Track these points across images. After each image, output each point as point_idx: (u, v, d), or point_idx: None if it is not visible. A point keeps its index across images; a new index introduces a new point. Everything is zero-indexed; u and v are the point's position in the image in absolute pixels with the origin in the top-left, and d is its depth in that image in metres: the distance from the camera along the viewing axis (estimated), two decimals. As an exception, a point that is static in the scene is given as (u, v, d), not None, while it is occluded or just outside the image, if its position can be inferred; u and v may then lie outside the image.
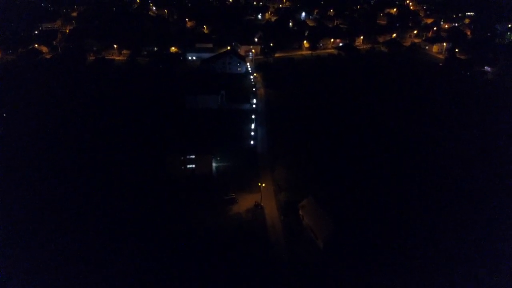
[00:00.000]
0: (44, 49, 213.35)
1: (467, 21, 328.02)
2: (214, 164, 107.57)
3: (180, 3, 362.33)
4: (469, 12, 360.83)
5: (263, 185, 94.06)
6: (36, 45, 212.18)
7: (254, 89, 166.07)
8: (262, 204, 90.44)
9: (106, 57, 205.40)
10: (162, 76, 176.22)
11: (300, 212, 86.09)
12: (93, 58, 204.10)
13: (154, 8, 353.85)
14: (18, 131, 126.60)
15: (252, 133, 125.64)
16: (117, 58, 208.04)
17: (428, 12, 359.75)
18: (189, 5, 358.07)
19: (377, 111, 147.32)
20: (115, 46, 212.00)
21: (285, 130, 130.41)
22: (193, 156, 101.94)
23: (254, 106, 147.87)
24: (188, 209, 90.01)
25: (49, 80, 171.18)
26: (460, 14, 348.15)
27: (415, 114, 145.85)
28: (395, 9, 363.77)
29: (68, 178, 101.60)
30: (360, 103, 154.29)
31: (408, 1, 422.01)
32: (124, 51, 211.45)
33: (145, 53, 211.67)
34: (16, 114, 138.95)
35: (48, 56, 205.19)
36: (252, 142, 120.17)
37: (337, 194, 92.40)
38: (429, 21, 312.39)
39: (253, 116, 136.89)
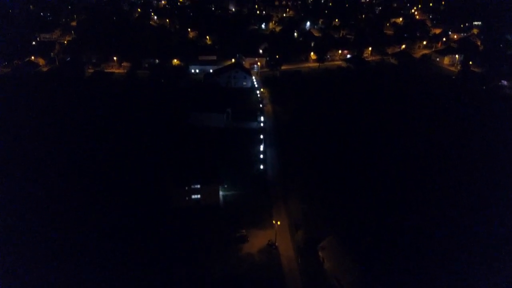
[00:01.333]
0: (41, 61, 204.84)
1: (475, 31, 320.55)
2: (221, 193, 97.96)
3: (181, 12, 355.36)
4: (476, 21, 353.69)
5: (278, 223, 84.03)
6: (33, 57, 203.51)
7: (261, 105, 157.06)
8: (276, 243, 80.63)
9: (105, 70, 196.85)
10: (164, 91, 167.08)
11: (320, 254, 76.33)
12: (92, 71, 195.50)
13: (155, 17, 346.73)
14: (10, 149, 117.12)
15: (261, 156, 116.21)
16: (116, 70, 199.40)
17: (434, 22, 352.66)
18: (191, 14, 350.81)
19: (393, 129, 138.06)
20: (114, 58, 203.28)
21: (297, 152, 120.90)
22: (199, 186, 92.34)
23: (262, 124, 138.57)
24: (194, 248, 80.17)
25: (44, 96, 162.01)
26: (467, 24, 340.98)
27: (432, 133, 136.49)
28: (401, 19, 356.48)
29: (59, 208, 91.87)
30: (375, 120, 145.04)
31: (413, 10, 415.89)
32: (124, 63, 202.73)
33: (146, 65, 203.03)
34: (7, 132, 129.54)
35: (45, 69, 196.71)
36: (261, 167, 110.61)
37: (364, 233, 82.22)
38: (437, 31, 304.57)
39: (261, 136, 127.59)
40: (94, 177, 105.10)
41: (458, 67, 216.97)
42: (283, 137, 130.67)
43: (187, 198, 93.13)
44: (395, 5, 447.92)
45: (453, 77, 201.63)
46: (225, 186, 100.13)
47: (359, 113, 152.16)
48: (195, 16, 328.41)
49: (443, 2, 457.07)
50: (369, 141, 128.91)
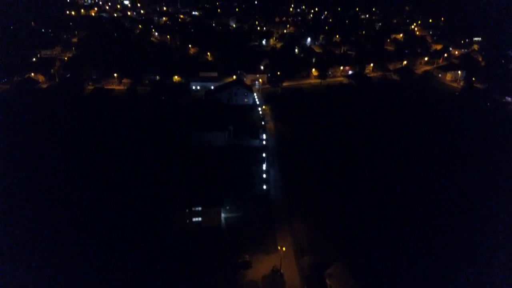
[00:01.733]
0: (41, 77, 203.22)
1: (475, 47, 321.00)
2: (223, 215, 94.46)
3: (182, 28, 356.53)
4: (476, 37, 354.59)
5: (283, 249, 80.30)
6: (32, 74, 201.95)
7: (263, 122, 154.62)
8: (281, 270, 76.83)
9: (105, 87, 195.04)
10: (164, 108, 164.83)
11: (328, 282, 72.52)
12: (92, 87, 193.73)
13: (156, 34, 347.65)
14: (8, 166, 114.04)
15: (264, 176, 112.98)
16: (117, 87, 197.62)
17: (435, 38, 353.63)
18: (192, 30, 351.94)
19: (399, 147, 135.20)
20: (115, 75, 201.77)
21: (300, 171, 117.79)
22: (200, 209, 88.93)
23: (264, 142, 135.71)
24: (194, 274, 76.37)
25: (43, 113, 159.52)
26: (467, 40, 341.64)
27: (438, 152, 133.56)
28: (401, 35, 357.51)
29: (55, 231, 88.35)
30: (379, 138, 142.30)
31: (413, 27, 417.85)
32: (124, 80, 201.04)
33: (147, 81, 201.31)
34: (6, 150, 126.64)
35: (44, 86, 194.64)
36: (264, 187, 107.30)
37: (373, 259, 78.54)
38: (438, 47, 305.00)
39: (263, 155, 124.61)
40: (93, 197, 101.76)
41: (461, 83, 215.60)
42: (286, 156, 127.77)
43: (187, 221, 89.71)
44: (395, 21, 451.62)
45: (456, 93, 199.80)
46: (227, 207, 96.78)
47: (362, 130, 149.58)
48: (196, 33, 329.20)
49: (442, 19, 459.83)
50: (374, 160, 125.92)
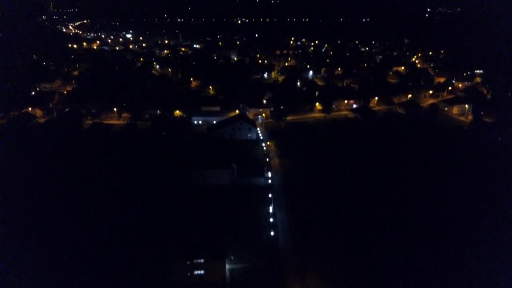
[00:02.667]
0: (38, 112, 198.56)
1: (478, 79, 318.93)
2: (227, 266, 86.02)
3: (184, 61, 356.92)
4: (477, 70, 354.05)
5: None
6: (30, 108, 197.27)
7: (267, 159, 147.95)
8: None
9: (104, 122, 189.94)
10: (165, 144, 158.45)
11: None
12: (91, 122, 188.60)
13: (157, 66, 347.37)
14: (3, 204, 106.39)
15: (271, 220, 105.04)
16: (116, 122, 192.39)
17: (436, 70, 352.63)
18: (194, 63, 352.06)
19: (412, 184, 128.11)
20: (115, 109, 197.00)
21: (310, 213, 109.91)
22: (202, 261, 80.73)
23: (269, 181, 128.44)
24: None
25: (39, 150, 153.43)
26: (469, 72, 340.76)
27: (452, 191, 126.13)
28: (403, 67, 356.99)
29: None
30: (390, 176, 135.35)
31: (414, 59, 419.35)
32: (124, 115, 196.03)
33: (147, 116, 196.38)
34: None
35: (41, 120, 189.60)
36: (272, 233, 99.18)
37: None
38: (441, 80, 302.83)
39: (269, 195, 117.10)
40: (88, 241, 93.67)
41: (468, 117, 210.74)
42: (293, 196, 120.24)
43: (189, 274, 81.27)
44: (395, 53, 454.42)
45: (465, 127, 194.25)
46: (232, 258, 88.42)
47: (371, 167, 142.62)
48: (198, 66, 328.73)
49: (442, 51, 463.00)
50: (385, 199, 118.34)
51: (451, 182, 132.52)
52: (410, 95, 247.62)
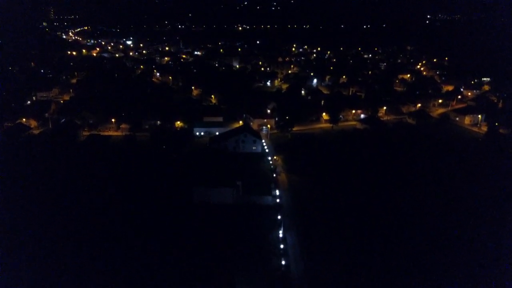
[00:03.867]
0: (33, 123, 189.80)
1: (486, 87, 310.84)
2: (234, 302, 76.75)
3: (185, 69, 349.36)
4: (484, 77, 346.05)
5: None
6: (24, 119, 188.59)
7: (274, 174, 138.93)
8: None
9: (102, 133, 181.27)
10: (165, 158, 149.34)
11: None
12: (88, 133, 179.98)
13: (157, 74, 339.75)
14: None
15: (282, 246, 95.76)
16: (114, 133, 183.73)
17: (443, 78, 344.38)
18: (194, 70, 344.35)
19: (430, 200, 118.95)
20: (113, 120, 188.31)
21: (324, 237, 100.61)
22: (207, 299, 71.50)
23: (277, 200, 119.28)
24: None
25: (31, 163, 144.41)
26: (476, 80, 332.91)
27: (474, 206, 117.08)
28: (408, 75, 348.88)
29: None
30: (407, 190, 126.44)
31: (419, 66, 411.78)
32: (123, 125, 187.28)
33: (147, 127, 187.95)
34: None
35: (36, 132, 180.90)
36: (283, 262, 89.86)
37: None
38: (449, 88, 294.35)
39: (278, 217, 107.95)
40: (80, 266, 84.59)
41: (482, 128, 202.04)
42: (304, 217, 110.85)
43: (191, 313, 71.98)
44: (399, 60, 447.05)
45: (480, 139, 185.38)
46: (239, 291, 79.19)
47: (388, 183, 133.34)
48: (199, 73, 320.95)
49: (446, 58, 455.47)
50: (407, 220, 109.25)
51: (472, 197, 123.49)
52: (419, 105, 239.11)
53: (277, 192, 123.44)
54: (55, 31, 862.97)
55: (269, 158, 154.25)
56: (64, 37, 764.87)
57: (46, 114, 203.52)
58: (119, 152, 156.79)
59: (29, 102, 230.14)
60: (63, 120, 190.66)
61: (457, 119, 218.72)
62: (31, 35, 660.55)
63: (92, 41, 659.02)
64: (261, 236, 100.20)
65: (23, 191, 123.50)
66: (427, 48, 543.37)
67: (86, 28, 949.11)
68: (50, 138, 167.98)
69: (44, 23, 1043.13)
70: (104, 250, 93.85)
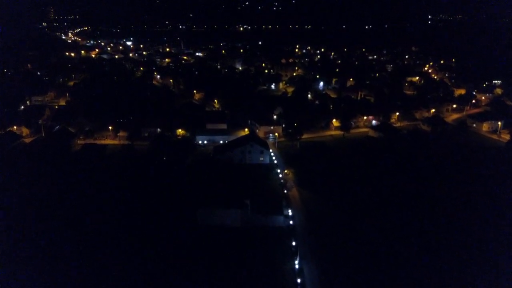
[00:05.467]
0: (25, 131, 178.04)
1: (499, 91, 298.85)
2: None
3: (186, 71, 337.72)
4: (495, 80, 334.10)
5: None
6: (15, 127, 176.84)
7: (284, 190, 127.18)
8: None
9: (98, 142, 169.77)
10: (166, 172, 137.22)
11: None
12: (83, 142, 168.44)
13: (158, 76, 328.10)
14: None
15: (299, 280, 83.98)
16: (111, 142, 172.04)
17: (453, 81, 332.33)
18: (196, 73, 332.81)
19: (456, 218, 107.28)
20: (110, 127, 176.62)
21: (347, 269, 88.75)
22: None
23: (290, 221, 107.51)
24: None
25: (20, 177, 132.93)
26: (486, 83, 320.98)
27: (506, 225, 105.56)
28: (417, 78, 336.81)
29: None
30: (433, 207, 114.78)
31: (427, 68, 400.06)
32: (120, 133, 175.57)
33: (146, 134, 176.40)
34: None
35: (27, 140, 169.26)
36: (302, 301, 78.24)
37: None
38: (461, 91, 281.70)
39: (293, 243, 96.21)
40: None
41: (502, 136, 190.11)
42: (322, 242, 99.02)
43: None
44: (405, 62, 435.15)
45: (502, 148, 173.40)
46: None
47: (410, 199, 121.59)
48: (201, 75, 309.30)
49: (453, 59, 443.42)
50: (435, 240, 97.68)
51: (503, 214, 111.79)
52: (433, 110, 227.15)
53: (290, 212, 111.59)
54: (54, 31, 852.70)
55: (278, 170, 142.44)
56: (63, 37, 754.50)
57: (40, 121, 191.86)
58: (116, 164, 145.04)
59: (22, 107, 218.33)
60: (57, 128, 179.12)
61: (474, 125, 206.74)
62: (29, 35, 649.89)
63: (91, 42, 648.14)
64: (274, 267, 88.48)
65: (10, 206, 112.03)
66: (432, 49, 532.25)
67: (86, 28, 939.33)
68: (42, 147, 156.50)
69: (43, 23, 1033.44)
70: (97, 281, 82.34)
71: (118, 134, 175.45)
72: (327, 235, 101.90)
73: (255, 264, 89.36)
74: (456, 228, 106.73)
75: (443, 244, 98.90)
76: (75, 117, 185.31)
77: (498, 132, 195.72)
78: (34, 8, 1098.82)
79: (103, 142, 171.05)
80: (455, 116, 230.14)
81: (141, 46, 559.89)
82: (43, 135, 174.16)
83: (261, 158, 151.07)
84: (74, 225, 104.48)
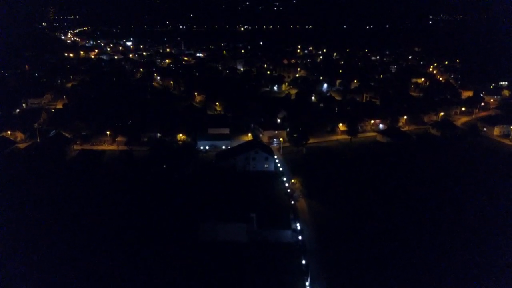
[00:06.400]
0: (20, 135, 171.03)
1: (506, 92, 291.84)
2: None
3: (187, 72, 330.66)
4: (501, 81, 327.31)
5: None
6: (9, 132, 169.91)
7: (292, 201, 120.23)
8: None
9: (95, 147, 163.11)
10: (166, 182, 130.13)
11: None
12: (79, 148, 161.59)
13: (158, 78, 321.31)
14: None
15: (311, 304, 77.19)
16: (109, 147, 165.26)
17: (459, 82, 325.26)
18: (197, 74, 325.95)
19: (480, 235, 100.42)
20: (108, 133, 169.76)
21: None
22: None
23: (299, 236, 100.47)
24: None
25: (13, 186, 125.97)
26: (493, 84, 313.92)
27: None
28: (422, 79, 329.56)
29: None
30: (457, 224, 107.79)
31: (431, 69, 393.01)
32: (119, 138, 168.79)
33: (145, 139, 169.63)
34: None
35: (22, 146, 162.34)
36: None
37: None
38: (468, 93, 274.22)
39: (303, 261, 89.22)
40: None
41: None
42: (334, 261, 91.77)
43: None
44: (409, 63, 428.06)
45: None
46: None
47: (429, 211, 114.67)
48: (202, 77, 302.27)
49: (457, 60, 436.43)
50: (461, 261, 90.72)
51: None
52: (442, 113, 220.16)
53: (298, 225, 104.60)
54: (54, 31, 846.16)
55: (284, 178, 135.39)
56: (63, 37, 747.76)
57: (36, 125, 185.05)
58: (113, 172, 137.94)
59: (18, 110, 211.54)
60: (53, 132, 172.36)
61: (485, 129, 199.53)
62: (28, 35, 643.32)
63: (91, 42, 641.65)
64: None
65: (0, 217, 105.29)
66: (435, 50, 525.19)
67: (86, 28, 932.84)
68: (37, 153, 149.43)
69: (43, 23, 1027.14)
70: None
71: (116, 139, 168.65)
72: (339, 252, 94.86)
73: (262, 286, 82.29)
74: (475, 240, 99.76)
75: (467, 261, 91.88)
76: (71, 121, 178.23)
77: (510, 137, 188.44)
78: (34, 8, 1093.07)
79: (100, 147, 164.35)
80: (464, 119, 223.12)
81: (141, 46, 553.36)
82: (38, 140, 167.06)
83: (266, 165, 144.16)
84: (67, 238, 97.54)
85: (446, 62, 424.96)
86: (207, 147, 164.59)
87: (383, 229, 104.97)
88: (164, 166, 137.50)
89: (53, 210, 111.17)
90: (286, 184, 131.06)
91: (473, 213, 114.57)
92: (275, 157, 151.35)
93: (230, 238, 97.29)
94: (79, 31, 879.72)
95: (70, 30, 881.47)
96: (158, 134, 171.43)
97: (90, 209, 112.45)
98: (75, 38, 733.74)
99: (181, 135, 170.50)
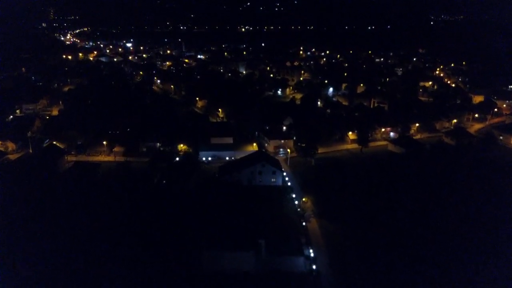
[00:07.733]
0: (11, 146, 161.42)
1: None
2: None
3: (188, 75, 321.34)
4: (511, 85, 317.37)
5: None
6: (0, 142, 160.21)
7: (302, 221, 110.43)
8: None
9: (90, 159, 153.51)
10: (165, 200, 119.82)
11: None
12: (74, 158, 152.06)
13: (158, 81, 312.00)
14: None
15: None
16: (105, 159, 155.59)
17: (468, 86, 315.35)
18: (198, 77, 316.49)
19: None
20: (104, 143, 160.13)
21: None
22: None
23: (313, 266, 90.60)
24: None
25: (6, 201, 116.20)
26: (504, 88, 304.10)
27: None
28: (430, 83, 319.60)
29: None
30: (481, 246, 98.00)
31: (438, 72, 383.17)
32: (116, 148, 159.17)
33: (144, 149, 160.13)
34: None
35: (12, 157, 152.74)
36: None
37: None
38: (479, 98, 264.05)
39: (319, 297, 79.54)
40: None
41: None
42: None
43: None
44: (414, 65, 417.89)
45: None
46: None
47: (455, 229, 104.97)
48: (203, 80, 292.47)
49: (464, 62, 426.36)
50: None
51: None
52: (454, 120, 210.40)
53: (311, 251, 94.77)
54: (53, 32, 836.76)
55: (293, 195, 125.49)
56: (62, 39, 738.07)
57: (29, 133, 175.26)
58: (109, 188, 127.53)
59: (11, 117, 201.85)
60: (46, 141, 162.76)
61: (501, 138, 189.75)
62: (25, 37, 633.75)
63: (90, 43, 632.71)
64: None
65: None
66: (440, 51, 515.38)
67: (85, 29, 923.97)
68: (28, 165, 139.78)
69: (43, 24, 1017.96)
70: None
71: (113, 150, 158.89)
72: (358, 284, 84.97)
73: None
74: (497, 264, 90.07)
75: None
76: (66, 130, 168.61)
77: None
78: (34, 9, 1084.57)
79: (96, 158, 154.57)
80: (477, 126, 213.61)
81: (141, 48, 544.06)
82: (30, 150, 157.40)
83: (273, 179, 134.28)
84: (57, 265, 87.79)
85: (452, 65, 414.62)
86: (209, 158, 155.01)
87: (405, 254, 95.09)
88: (164, 181, 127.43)
89: (43, 229, 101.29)
90: (296, 202, 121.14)
91: (499, 233, 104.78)
92: (283, 170, 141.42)
93: (236, 266, 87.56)
94: (78, 32, 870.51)
95: (69, 31, 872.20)
96: (158, 144, 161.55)
97: (82, 230, 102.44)
98: (74, 39, 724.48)
99: (182, 145, 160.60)
